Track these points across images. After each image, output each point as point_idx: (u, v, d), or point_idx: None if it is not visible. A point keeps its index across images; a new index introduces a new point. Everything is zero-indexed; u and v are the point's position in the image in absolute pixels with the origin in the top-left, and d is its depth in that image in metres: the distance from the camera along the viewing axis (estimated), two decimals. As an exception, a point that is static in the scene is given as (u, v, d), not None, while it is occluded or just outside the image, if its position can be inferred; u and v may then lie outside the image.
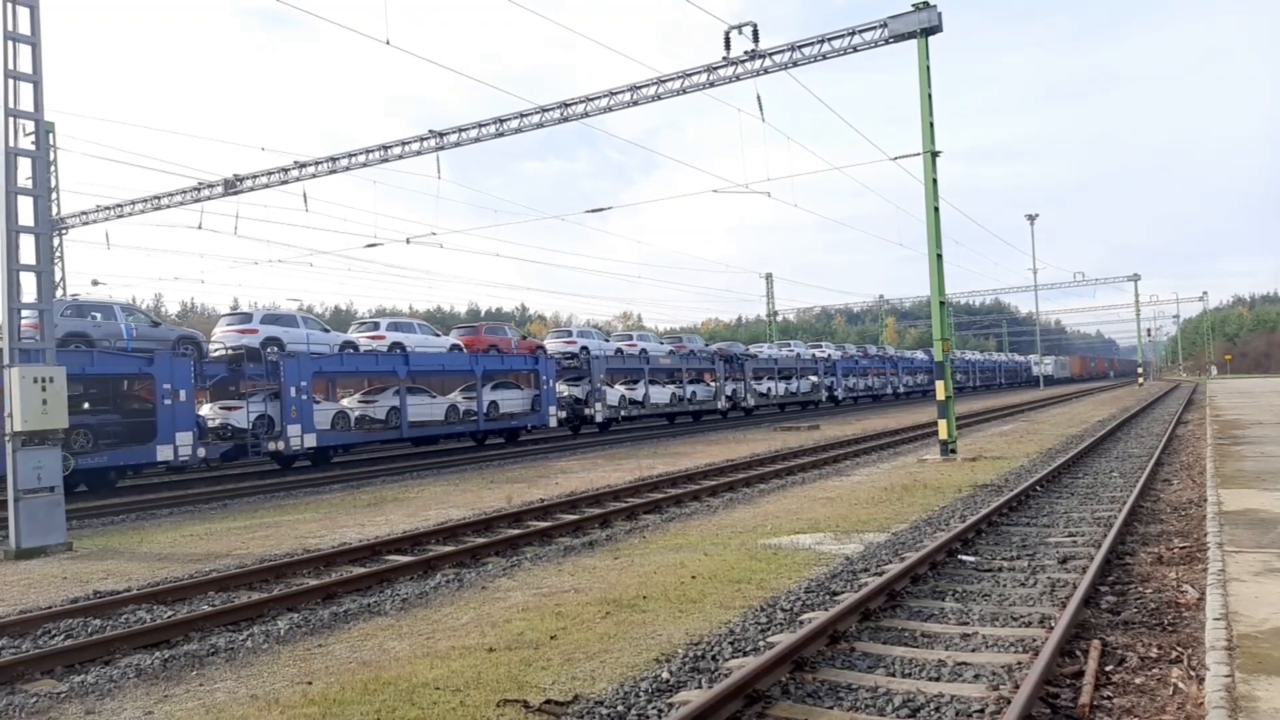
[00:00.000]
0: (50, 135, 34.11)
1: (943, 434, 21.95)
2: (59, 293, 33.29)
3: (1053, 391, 77.62)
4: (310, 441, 24.99)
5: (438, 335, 32.37)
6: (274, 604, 9.14)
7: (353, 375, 30.64)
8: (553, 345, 37.76)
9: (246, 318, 26.64)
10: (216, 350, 25.42)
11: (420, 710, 5.97)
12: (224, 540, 13.98)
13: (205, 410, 24.08)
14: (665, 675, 6.36)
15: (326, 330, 28.49)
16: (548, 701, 5.94)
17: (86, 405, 22.51)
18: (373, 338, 29.44)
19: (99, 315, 22.91)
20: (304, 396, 24.77)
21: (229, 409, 24.38)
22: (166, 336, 23.92)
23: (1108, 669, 6.22)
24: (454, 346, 32.04)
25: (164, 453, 21.30)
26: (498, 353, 33.16)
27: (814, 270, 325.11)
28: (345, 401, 29.09)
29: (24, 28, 13.93)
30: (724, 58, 22.71)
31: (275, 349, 25.20)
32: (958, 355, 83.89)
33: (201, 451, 22.25)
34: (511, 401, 32.90)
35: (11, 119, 13.96)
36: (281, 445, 24.36)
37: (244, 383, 24.95)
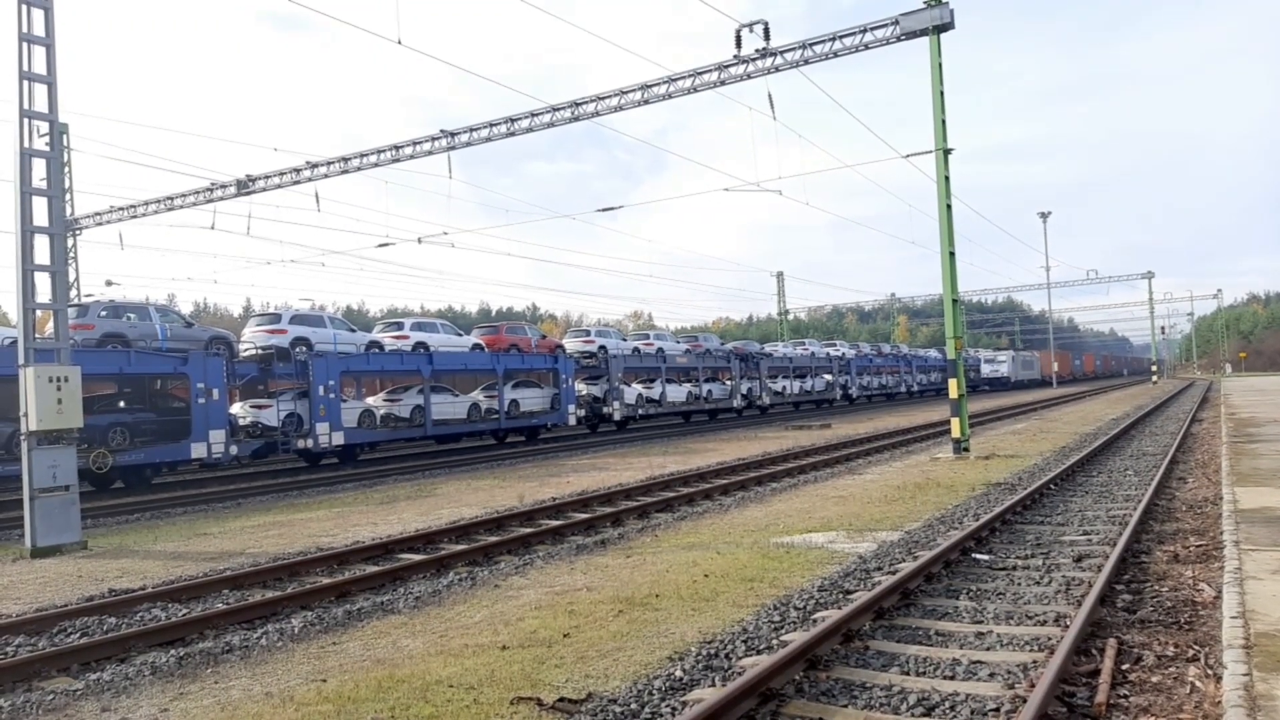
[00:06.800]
0: (64, 136, 34.32)
1: (955, 432, 21.87)
2: (73, 293, 33.49)
3: (1065, 390, 77.19)
4: (338, 439, 25.36)
5: (460, 335, 32.61)
6: (288, 602, 9.17)
7: (378, 374, 31.01)
8: (571, 344, 37.92)
9: (275, 318, 26.90)
10: (247, 350, 25.73)
11: (434, 708, 5.98)
12: (238, 539, 14.04)
13: (236, 409, 24.35)
14: (679, 673, 6.35)
15: (353, 330, 28.73)
16: (561, 699, 5.94)
17: (123, 404, 22.86)
18: (397, 337, 29.73)
19: (134, 316, 23.25)
20: (332, 395, 25.13)
21: (259, 407, 24.69)
22: (199, 337, 24.29)
23: (1124, 668, 6.18)
24: (476, 346, 32.24)
25: (198, 450, 21.67)
26: (518, 352, 33.32)
27: (825, 269, 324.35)
28: (371, 400, 29.37)
29: (38, 29, 14.02)
30: (735, 56, 22.65)
31: (304, 349, 25.54)
32: (970, 353, 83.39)
33: (233, 449, 22.59)
34: (532, 400, 33.09)
35: (26, 120, 14.04)
36: (310, 443, 24.73)
37: (273, 382, 25.32)
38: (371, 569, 10.76)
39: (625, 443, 32.50)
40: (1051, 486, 15.12)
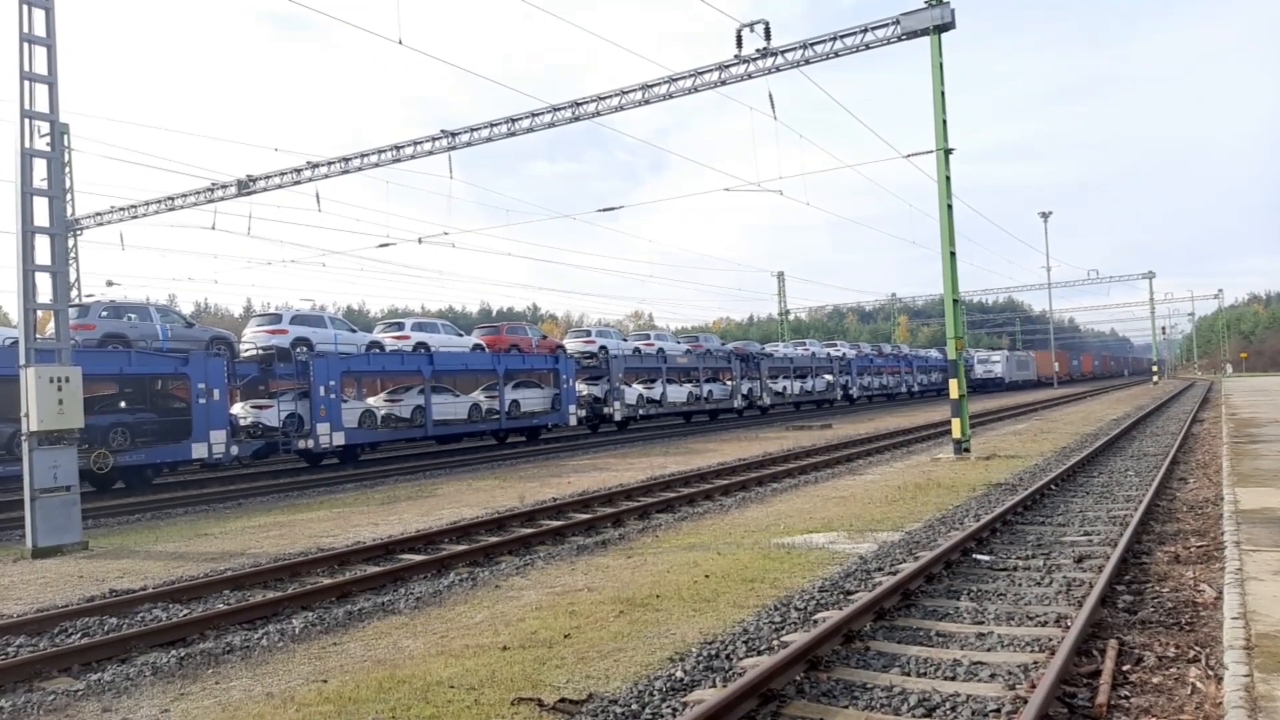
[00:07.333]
0: (65, 136, 34.30)
1: (956, 432, 21.86)
2: (74, 294, 33.50)
3: (1066, 391, 77.16)
4: (339, 440, 25.38)
5: (461, 335, 32.62)
6: (289, 602, 9.17)
7: (379, 375, 31.03)
8: (572, 345, 37.95)
9: (276, 319, 26.90)
10: (247, 350, 25.74)
11: (435, 708, 5.98)
12: (239, 539, 14.05)
13: (237, 409, 24.38)
14: (679, 674, 6.35)
15: (354, 330, 28.73)
16: (562, 700, 5.94)
17: (124, 404, 22.86)
18: (398, 338, 29.74)
19: (135, 316, 23.23)
20: (332, 395, 25.15)
21: (260, 408, 24.72)
22: (200, 337, 24.29)
23: (1125, 668, 6.18)
24: (476, 346, 32.26)
25: (199, 450, 21.67)
26: (519, 352, 33.35)
27: (826, 269, 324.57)
28: (372, 400, 29.37)
29: (39, 29, 14.02)
30: (736, 56, 22.65)
31: (304, 349, 25.56)
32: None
33: (234, 449, 22.60)
34: (532, 400, 33.11)
35: (27, 120, 14.05)
36: (311, 443, 24.76)
37: (274, 382, 25.34)
38: (372, 569, 10.76)
39: (626, 443, 32.50)
40: (1052, 487, 15.12)
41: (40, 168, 14.27)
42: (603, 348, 38.14)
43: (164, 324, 23.48)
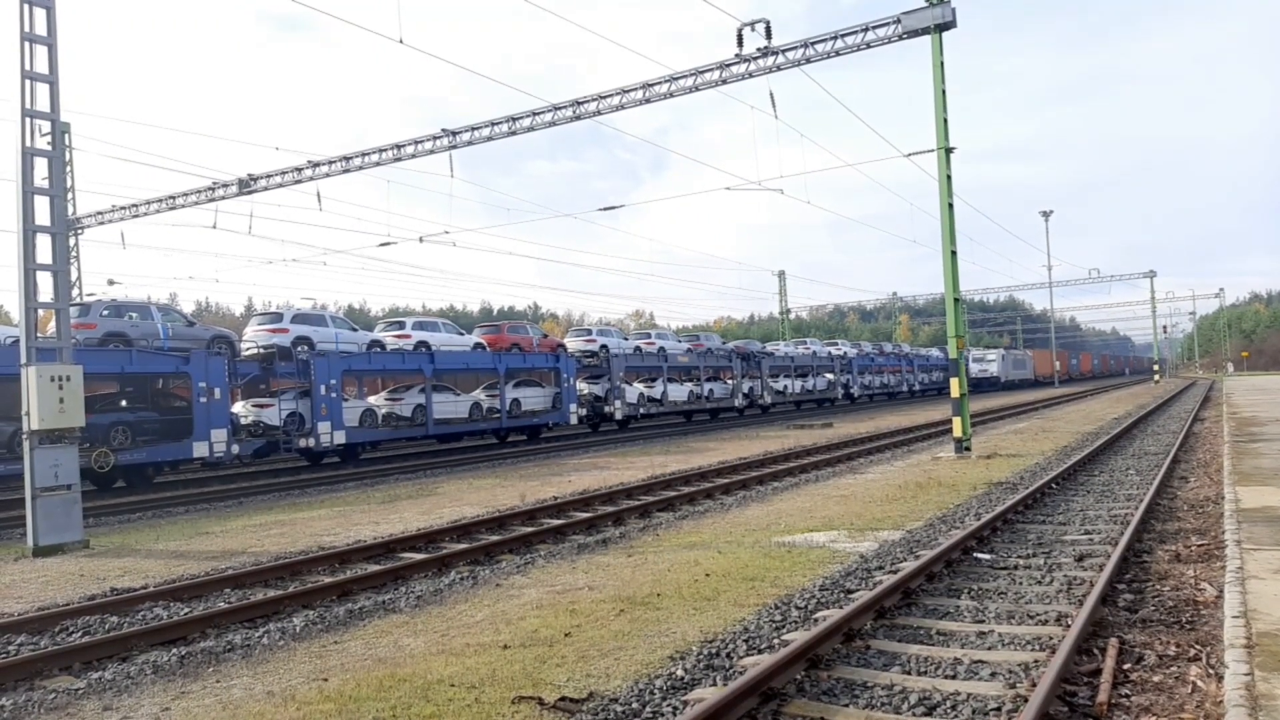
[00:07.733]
0: (66, 135, 34.26)
1: (957, 431, 21.86)
2: (75, 292, 33.51)
3: (1067, 390, 77.11)
4: (340, 438, 25.41)
5: (462, 334, 32.62)
6: (290, 601, 9.17)
7: (380, 373, 31.03)
8: (573, 344, 37.93)
9: (277, 317, 26.88)
10: (249, 349, 25.73)
11: (435, 707, 5.98)
12: (239, 538, 14.05)
13: (238, 408, 24.40)
14: (680, 673, 6.35)
15: (355, 329, 28.71)
16: (562, 699, 5.94)
17: (125, 403, 22.87)
18: (399, 337, 29.72)
19: (136, 315, 23.21)
20: (333, 394, 25.18)
21: (261, 406, 24.75)
22: (201, 336, 24.28)
23: (1126, 667, 6.17)
24: (477, 345, 32.25)
25: (200, 449, 21.68)
26: (520, 351, 33.36)
27: (827, 268, 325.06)
28: (373, 399, 29.37)
29: (40, 29, 14.02)
30: (737, 55, 22.61)
31: (305, 348, 25.56)
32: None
33: (235, 448, 22.60)
34: (533, 399, 33.13)
35: (28, 119, 14.05)
36: (312, 442, 24.77)
37: (275, 381, 25.38)
38: (373, 568, 10.76)
39: (627, 442, 32.50)
40: (1053, 486, 15.12)
41: (41, 166, 14.26)
42: (604, 346, 38.12)
43: (165, 323, 23.47)
